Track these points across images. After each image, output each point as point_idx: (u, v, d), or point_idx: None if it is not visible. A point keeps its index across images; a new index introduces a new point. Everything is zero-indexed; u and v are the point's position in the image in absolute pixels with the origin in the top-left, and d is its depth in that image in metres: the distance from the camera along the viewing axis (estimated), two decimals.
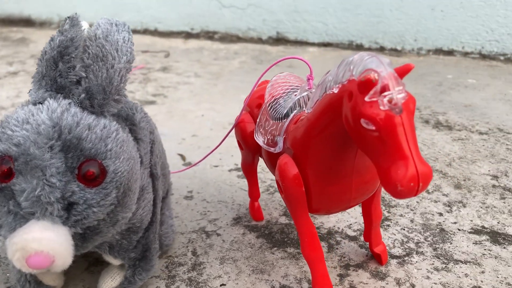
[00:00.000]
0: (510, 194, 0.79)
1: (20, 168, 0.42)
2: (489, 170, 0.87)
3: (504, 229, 0.70)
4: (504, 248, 0.65)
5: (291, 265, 0.62)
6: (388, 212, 0.74)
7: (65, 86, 0.47)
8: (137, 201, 0.51)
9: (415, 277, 0.60)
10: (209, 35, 2.03)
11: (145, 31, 2.12)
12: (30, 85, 1.32)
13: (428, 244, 0.66)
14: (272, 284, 0.59)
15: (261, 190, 0.79)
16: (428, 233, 0.69)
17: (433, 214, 0.73)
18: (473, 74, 1.50)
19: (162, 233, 0.62)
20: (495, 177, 0.85)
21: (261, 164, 0.79)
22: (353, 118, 0.39)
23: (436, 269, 0.61)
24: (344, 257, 0.64)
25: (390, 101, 0.37)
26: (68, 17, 0.50)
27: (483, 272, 0.61)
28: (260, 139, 0.58)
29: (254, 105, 0.62)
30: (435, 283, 0.59)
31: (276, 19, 1.94)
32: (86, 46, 0.48)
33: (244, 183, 0.83)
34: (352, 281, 0.59)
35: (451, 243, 0.66)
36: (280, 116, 0.55)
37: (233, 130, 0.66)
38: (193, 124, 1.10)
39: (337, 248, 0.65)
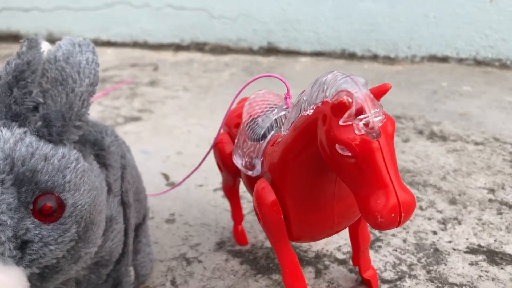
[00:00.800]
0: (507, 209, 0.75)
1: None
2: (485, 183, 0.84)
3: (502, 247, 0.66)
4: (502, 268, 0.62)
5: None
6: (380, 232, 0.70)
7: (21, 113, 0.43)
8: (104, 232, 0.47)
9: None
10: (199, 47, 2.01)
11: (135, 44, 2.10)
12: None
13: (422, 266, 0.63)
14: None
15: (246, 211, 0.76)
16: (421, 254, 0.65)
17: (426, 233, 0.70)
18: (468, 81, 1.47)
19: (138, 262, 0.58)
20: (491, 190, 0.81)
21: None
22: (328, 142, 0.36)
23: None
24: (332, 283, 0.60)
25: (366, 125, 0.34)
26: (27, 39, 0.46)
27: None
28: (238, 161, 0.54)
29: (233, 124, 0.59)
30: None
31: (267, 29, 1.92)
32: (45, 70, 0.45)
33: (228, 204, 0.79)
34: None
35: (445, 265, 0.63)
36: (258, 137, 0.51)
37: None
38: (178, 141, 1.06)
39: (325, 273, 0.62)
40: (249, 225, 0.72)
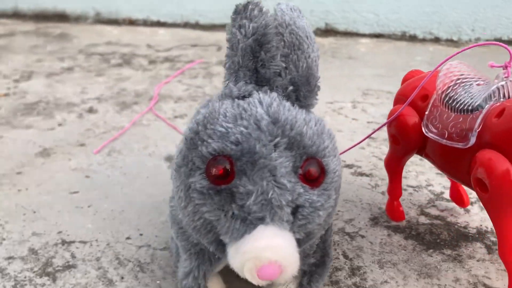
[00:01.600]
0: None
1: (243, 168, 0.37)
2: None
3: None
4: None
5: (457, 268, 0.58)
6: None
7: (269, 77, 0.42)
8: None
9: None
10: None
11: (186, 25, 2.07)
12: (90, 80, 1.27)
13: None
14: None
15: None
16: None
17: None
18: None
19: None
20: None
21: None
22: None
23: None
24: None
25: None
26: (249, 2, 0.45)
27: None
28: (433, 133, 0.53)
29: (418, 97, 0.58)
30: None
31: (325, 9, 1.89)
32: (279, 34, 0.43)
33: (361, 181, 0.79)
34: None
35: None
36: (468, 107, 0.50)
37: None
38: None
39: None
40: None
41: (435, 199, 0.72)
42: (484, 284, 0.55)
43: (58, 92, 1.25)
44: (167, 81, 1.31)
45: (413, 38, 1.80)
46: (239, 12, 0.45)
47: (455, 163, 0.52)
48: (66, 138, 0.97)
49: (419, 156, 0.63)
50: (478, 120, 0.48)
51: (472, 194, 0.70)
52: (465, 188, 0.67)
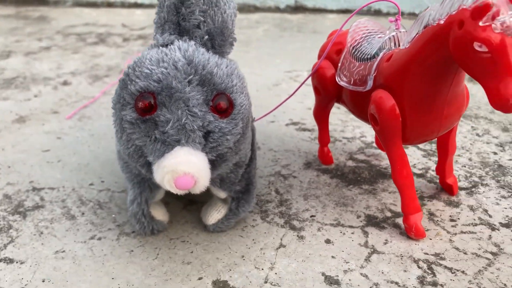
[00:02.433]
0: None
1: (163, 101, 0.46)
2: None
3: None
4: None
5: (370, 198, 0.68)
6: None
7: (189, 29, 0.51)
8: None
9: (486, 204, 0.65)
10: None
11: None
12: (66, 57, 1.35)
13: (490, 177, 0.72)
14: (357, 214, 0.64)
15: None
16: (488, 169, 0.74)
17: (488, 154, 0.79)
18: None
19: None
20: None
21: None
22: (464, 43, 0.44)
23: (503, 197, 0.67)
24: (417, 191, 0.69)
25: (502, 24, 0.42)
26: None
27: None
28: (344, 81, 0.63)
29: (333, 51, 0.67)
30: (505, 208, 0.64)
31: None
32: None
33: (303, 134, 0.88)
34: (429, 209, 0.65)
35: (511, 176, 0.72)
36: (368, 56, 0.59)
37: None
38: None
39: None
40: (330, 149, 0.81)
41: (364, 148, 0.82)
42: (390, 210, 0.65)
43: (35, 68, 1.33)
44: (138, 54, 1.39)
45: (378, 13, 1.88)
46: None
47: (360, 105, 0.62)
48: (41, 107, 1.05)
49: None
50: (374, 66, 0.58)
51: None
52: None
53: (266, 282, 0.53)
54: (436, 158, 0.75)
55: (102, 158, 0.82)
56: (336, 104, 0.81)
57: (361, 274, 0.54)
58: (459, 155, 0.79)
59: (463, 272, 0.54)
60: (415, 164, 0.76)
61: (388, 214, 0.64)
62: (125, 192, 0.71)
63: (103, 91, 1.12)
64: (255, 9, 2.03)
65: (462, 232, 0.60)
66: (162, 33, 0.51)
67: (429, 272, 0.54)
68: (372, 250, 0.57)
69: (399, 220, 0.62)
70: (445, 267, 0.54)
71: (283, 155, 0.81)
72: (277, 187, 0.71)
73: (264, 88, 1.13)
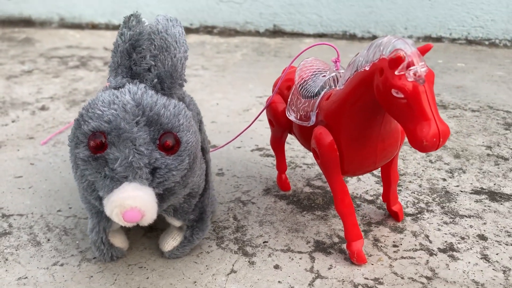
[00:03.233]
0: (503, 161, 0.90)
1: (112, 141, 0.50)
2: (483, 142, 0.98)
3: (500, 189, 0.80)
4: (501, 204, 0.76)
5: (321, 224, 0.72)
6: (399, 179, 0.84)
7: (139, 73, 0.55)
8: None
9: (428, 230, 0.70)
10: (208, 30, 2.12)
11: None
12: (46, 81, 1.40)
13: (436, 203, 0.77)
14: (307, 239, 0.68)
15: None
16: (435, 195, 0.79)
17: (437, 180, 0.84)
18: (461, 59, 1.62)
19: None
20: (489, 147, 0.96)
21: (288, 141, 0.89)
22: (384, 89, 0.49)
23: (445, 222, 0.72)
24: (365, 217, 0.73)
25: (415, 74, 0.47)
26: (132, 15, 0.59)
27: (485, 223, 0.71)
28: (292, 116, 0.67)
29: (284, 87, 0.72)
30: (445, 234, 0.69)
31: (273, 12, 2.03)
32: (151, 39, 0.57)
33: (266, 160, 0.93)
34: (375, 235, 0.69)
35: (455, 202, 0.77)
36: (312, 94, 0.64)
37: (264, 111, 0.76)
38: (210, 112, 1.19)
39: (358, 210, 0.75)
40: (288, 176, 0.85)
41: (321, 174, 0.87)
42: (338, 235, 0.69)
43: (15, 93, 1.37)
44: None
45: (353, 37, 1.95)
46: (124, 22, 0.58)
47: (307, 138, 0.66)
48: (17, 133, 1.09)
49: None
50: (316, 103, 0.62)
51: None
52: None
53: None
54: None
55: (71, 184, 0.85)
56: None
57: None
58: (410, 182, 0.83)
59: None
60: (367, 191, 0.81)
61: (336, 239, 0.68)
62: None
63: None
64: (236, 32, 2.08)
65: (402, 257, 0.64)
66: (115, 76, 0.56)
67: None
68: (316, 275, 0.62)
69: (345, 246, 0.67)
70: None
71: (245, 181, 0.85)
72: (235, 213, 0.75)
73: (235, 114, 1.17)
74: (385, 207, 0.75)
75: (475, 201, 0.77)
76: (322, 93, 0.63)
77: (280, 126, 0.73)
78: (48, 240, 0.70)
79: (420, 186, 0.82)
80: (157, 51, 0.56)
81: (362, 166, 0.60)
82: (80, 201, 0.63)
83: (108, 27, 2.25)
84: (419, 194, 0.79)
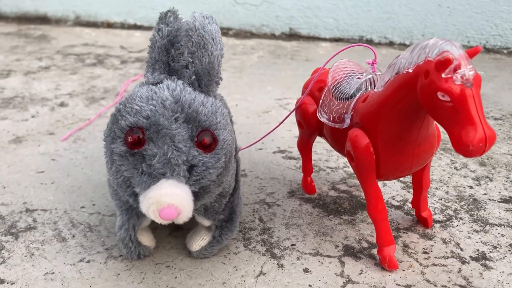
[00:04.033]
0: None
1: (151, 136, 0.50)
2: (508, 150, 0.97)
3: None
4: None
5: (349, 229, 0.71)
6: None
7: (177, 69, 0.55)
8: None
9: (458, 237, 0.69)
10: (224, 32, 2.11)
11: None
12: (64, 78, 1.40)
13: (465, 211, 0.75)
14: (336, 244, 0.67)
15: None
16: (463, 203, 0.78)
17: (464, 187, 0.83)
18: (480, 67, 1.60)
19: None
20: None
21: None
22: (429, 92, 0.48)
23: (476, 231, 0.70)
24: (393, 223, 0.72)
25: (462, 77, 0.46)
26: (169, 11, 0.58)
27: None
28: (324, 118, 0.66)
29: (315, 88, 0.71)
30: (476, 242, 0.68)
31: (289, 15, 2.03)
32: (189, 36, 0.56)
33: (289, 163, 0.92)
34: (404, 241, 0.68)
35: (484, 210, 0.76)
36: (346, 96, 0.63)
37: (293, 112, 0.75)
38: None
39: None
40: (314, 178, 0.84)
41: (347, 178, 0.86)
42: (367, 240, 0.68)
43: (33, 88, 1.37)
44: (135, 79, 1.43)
45: (369, 42, 1.94)
46: (161, 18, 0.58)
47: (339, 140, 0.65)
48: (37, 128, 1.08)
49: None
50: (351, 106, 0.62)
51: None
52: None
53: None
54: None
55: (94, 181, 0.85)
56: None
57: None
58: (436, 188, 0.82)
59: None
60: (394, 196, 0.80)
61: (365, 244, 0.67)
62: (114, 216, 0.74)
63: (98, 114, 1.16)
64: (251, 35, 2.08)
65: (434, 264, 0.63)
66: (153, 72, 0.55)
67: None
68: (347, 280, 0.60)
69: (375, 251, 0.65)
70: None
71: (269, 183, 0.84)
72: (261, 215, 0.74)
73: (254, 115, 1.16)
74: (413, 213, 0.74)
75: (504, 210, 0.76)
76: (358, 95, 0.62)
77: (310, 128, 0.72)
78: (73, 236, 0.69)
79: (447, 193, 0.81)
80: (194, 48, 0.55)
81: (397, 171, 0.59)
82: (110, 198, 0.63)
83: (123, 26, 2.25)
84: (447, 201, 0.78)
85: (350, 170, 0.88)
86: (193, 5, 2.13)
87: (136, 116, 0.50)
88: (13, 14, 2.41)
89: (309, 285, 0.59)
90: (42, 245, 0.67)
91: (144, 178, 0.50)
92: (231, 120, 0.67)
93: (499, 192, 0.81)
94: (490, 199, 0.79)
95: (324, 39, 1.99)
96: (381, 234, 0.61)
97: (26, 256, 0.65)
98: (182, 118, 0.50)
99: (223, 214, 0.62)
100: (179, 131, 0.50)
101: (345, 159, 0.92)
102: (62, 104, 1.24)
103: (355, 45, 0.65)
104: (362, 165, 0.59)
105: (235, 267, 0.63)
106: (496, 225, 0.72)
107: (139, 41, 1.97)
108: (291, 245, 0.67)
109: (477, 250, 0.66)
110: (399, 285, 0.60)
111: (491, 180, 0.85)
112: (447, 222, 0.72)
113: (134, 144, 0.50)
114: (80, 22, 2.31)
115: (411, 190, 0.81)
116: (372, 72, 0.62)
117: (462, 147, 0.47)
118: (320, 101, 0.68)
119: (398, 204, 0.77)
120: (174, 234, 0.70)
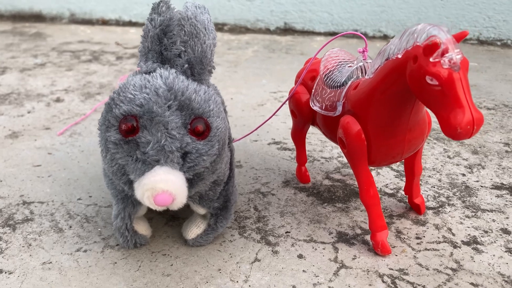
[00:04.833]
0: None
1: (145, 124, 0.50)
2: (500, 139, 0.98)
3: None
4: None
5: (343, 216, 0.72)
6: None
7: (170, 58, 0.55)
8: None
9: (451, 223, 0.70)
10: (219, 27, 2.12)
11: None
12: (60, 74, 1.41)
13: (457, 198, 0.76)
14: (330, 230, 0.68)
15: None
16: (455, 190, 0.79)
17: (457, 175, 0.84)
18: (474, 58, 1.61)
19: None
20: (507, 144, 0.96)
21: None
22: (418, 76, 0.49)
23: (467, 216, 0.71)
24: (386, 210, 0.73)
25: (450, 61, 0.47)
26: (161, 1, 0.59)
27: (507, 218, 0.71)
28: (316, 106, 0.67)
29: (308, 78, 0.72)
30: (468, 227, 0.69)
31: (284, 10, 2.03)
32: (181, 25, 0.57)
33: (284, 154, 0.92)
34: (397, 227, 0.69)
35: (476, 197, 0.77)
36: (338, 84, 0.64)
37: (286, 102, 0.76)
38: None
39: None
40: (308, 168, 0.85)
41: (341, 167, 0.87)
42: (360, 227, 0.69)
43: (29, 85, 1.37)
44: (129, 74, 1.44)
45: (363, 35, 1.94)
46: (153, 8, 0.58)
47: (331, 128, 0.66)
48: (33, 123, 1.09)
49: None
50: (343, 93, 0.62)
51: None
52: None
53: None
54: None
55: (90, 174, 0.85)
56: None
57: (329, 287, 0.58)
58: (429, 176, 0.83)
59: (423, 286, 0.57)
60: (387, 184, 0.81)
61: (358, 231, 0.68)
62: (111, 207, 0.75)
63: (94, 109, 1.16)
64: (246, 30, 2.08)
65: (426, 249, 0.64)
66: (146, 61, 0.56)
67: (393, 286, 0.58)
68: (341, 265, 0.61)
69: (368, 237, 0.66)
70: (408, 281, 0.58)
71: (264, 173, 0.85)
72: (256, 204, 0.75)
73: (249, 108, 1.17)
74: (406, 200, 0.75)
75: (496, 196, 0.77)
76: (349, 82, 0.62)
77: (303, 117, 0.72)
78: (70, 227, 0.70)
79: (439, 180, 0.82)
80: (187, 37, 0.56)
81: (389, 156, 0.60)
82: (106, 187, 0.63)
83: (118, 23, 2.25)
84: (439, 188, 0.79)
85: (344, 160, 0.89)
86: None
87: (130, 104, 0.51)
88: (7, 12, 2.41)
89: (303, 270, 0.60)
90: (39, 236, 0.68)
91: (139, 165, 0.50)
92: (224, 110, 0.68)
93: (491, 179, 0.82)
94: (482, 186, 0.80)
95: (319, 33, 2.00)
96: (374, 219, 0.62)
97: (23, 246, 0.65)
98: (175, 106, 0.51)
99: (218, 202, 0.63)
100: (172, 118, 0.50)
101: (339, 150, 0.93)
102: (58, 100, 1.24)
103: (346, 33, 0.66)
104: (353, 152, 0.60)
105: (230, 254, 0.64)
106: (488, 210, 0.73)
107: (134, 38, 1.97)
108: (286, 233, 0.68)
109: (469, 234, 0.67)
110: (392, 269, 0.60)
111: (483, 168, 0.86)
112: (440, 209, 0.73)
113: (128, 132, 0.51)
114: (75, 20, 2.31)
115: (404, 178, 0.82)
116: (363, 60, 0.63)
117: (451, 130, 0.47)
118: (313, 90, 0.69)
119: (391, 192, 0.78)
120: (170, 223, 0.70)
